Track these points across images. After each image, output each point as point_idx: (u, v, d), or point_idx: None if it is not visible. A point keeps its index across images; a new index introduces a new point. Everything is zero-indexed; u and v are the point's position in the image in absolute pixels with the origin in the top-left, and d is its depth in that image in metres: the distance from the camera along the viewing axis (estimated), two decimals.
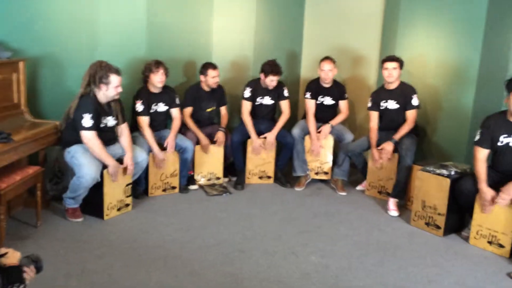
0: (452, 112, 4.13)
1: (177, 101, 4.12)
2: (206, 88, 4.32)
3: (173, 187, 4.10)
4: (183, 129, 4.23)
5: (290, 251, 3.10)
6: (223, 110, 4.49)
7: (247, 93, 4.37)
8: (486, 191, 3.13)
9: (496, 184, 3.16)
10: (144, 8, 4.07)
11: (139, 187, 3.92)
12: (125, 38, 4.05)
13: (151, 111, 3.97)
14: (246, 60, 4.82)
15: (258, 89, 4.40)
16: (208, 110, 4.39)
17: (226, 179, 4.52)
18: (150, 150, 3.86)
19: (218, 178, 4.40)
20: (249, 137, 4.36)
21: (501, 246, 3.14)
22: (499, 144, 3.19)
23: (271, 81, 4.27)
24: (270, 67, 4.21)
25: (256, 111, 4.47)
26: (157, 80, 3.88)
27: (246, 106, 4.37)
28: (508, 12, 3.61)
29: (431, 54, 4.26)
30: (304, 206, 3.97)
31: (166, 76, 3.93)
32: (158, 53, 4.08)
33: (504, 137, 3.16)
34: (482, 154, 3.25)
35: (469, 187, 3.26)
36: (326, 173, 4.54)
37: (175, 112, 4.11)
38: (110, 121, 3.48)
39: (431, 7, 4.21)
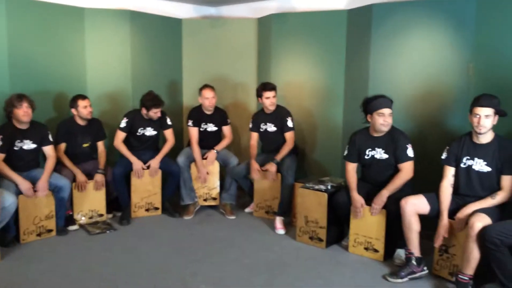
0: (326, 131, 4.45)
1: (50, 138, 3.84)
2: (81, 122, 4.10)
3: (49, 230, 3.78)
4: (58, 166, 3.95)
5: (180, 283, 3.01)
6: (101, 145, 4.27)
7: (123, 123, 4.25)
8: (357, 198, 3.39)
9: (368, 194, 3.43)
10: (5, 41, 3.78)
11: (9, 234, 3.53)
12: None
13: (15, 148, 3.64)
14: (124, 91, 4.69)
15: (138, 120, 4.29)
16: (85, 145, 4.16)
17: (110, 215, 4.29)
18: (19, 193, 3.52)
19: (101, 215, 4.16)
20: (132, 169, 4.21)
21: (376, 251, 3.40)
22: (365, 157, 3.49)
23: (155, 113, 4.21)
24: (151, 101, 4.15)
25: (138, 142, 4.35)
26: (22, 114, 3.58)
27: (119, 136, 4.26)
28: (362, 41, 4.05)
29: (303, 79, 4.58)
30: (193, 235, 3.92)
31: (32, 110, 3.65)
32: (24, 88, 3.79)
33: (369, 151, 3.47)
34: (350, 167, 3.54)
35: (344, 199, 3.50)
36: (214, 198, 4.55)
37: (48, 150, 3.81)
38: None
39: (298, 38, 4.56)
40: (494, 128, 2.92)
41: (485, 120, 2.83)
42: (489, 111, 2.82)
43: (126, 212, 4.21)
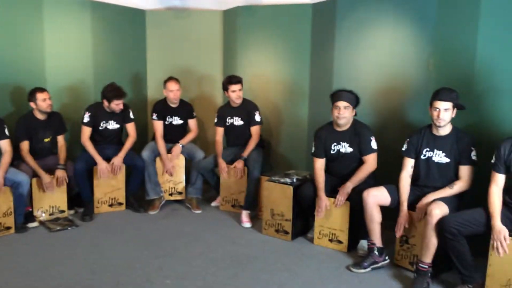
0: (291, 124, 4.47)
1: (6, 132, 3.69)
2: (40, 116, 3.96)
3: (8, 228, 3.64)
4: (16, 161, 3.81)
5: (145, 279, 2.98)
6: (61, 140, 4.14)
7: (86, 117, 4.14)
8: (323, 199, 3.43)
9: (333, 188, 3.48)
10: None
11: None
12: None
13: None
14: (85, 84, 4.57)
15: (100, 113, 4.19)
16: (46, 140, 4.03)
17: (72, 212, 4.18)
18: None
19: (62, 211, 4.05)
20: (94, 164, 4.11)
21: (340, 242, 3.46)
22: (331, 152, 3.53)
23: (116, 105, 4.12)
24: (113, 92, 4.06)
25: (101, 136, 4.25)
26: None
27: (85, 131, 4.15)
28: (327, 36, 4.08)
29: (269, 72, 4.58)
30: (159, 230, 3.87)
31: None
32: None
33: (334, 145, 3.51)
34: (319, 164, 3.55)
35: (309, 192, 3.53)
36: (180, 193, 4.51)
37: (3, 144, 3.67)
38: None
39: (265, 31, 4.55)
40: (453, 120, 3.01)
41: (444, 114, 2.91)
42: (448, 104, 2.90)
43: (88, 208, 4.11)
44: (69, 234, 3.72)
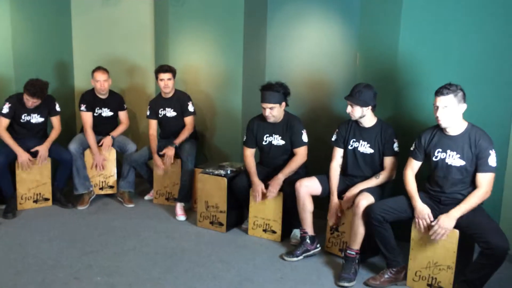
0: (225, 116, 4.46)
1: None
2: None
3: None
4: None
5: (72, 277, 2.86)
6: None
7: (6, 108, 3.89)
8: (257, 183, 3.47)
9: (266, 178, 3.53)
10: None
11: None
12: None
13: None
14: (5, 74, 4.26)
15: (22, 105, 3.93)
16: None
17: None
18: None
19: None
20: (15, 157, 3.87)
21: (273, 232, 3.52)
22: (263, 143, 3.58)
23: (27, 100, 3.87)
24: (28, 87, 3.80)
25: (24, 129, 4.00)
26: None
27: (2, 122, 3.90)
28: (259, 28, 4.11)
29: (202, 63, 4.51)
30: (88, 225, 3.73)
31: None
32: None
33: (266, 137, 3.56)
34: (249, 152, 3.61)
35: (243, 183, 3.56)
36: (111, 187, 4.37)
37: None
38: None
39: (197, 21, 4.45)
40: (376, 112, 3.15)
41: (351, 109, 3.05)
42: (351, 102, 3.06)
43: (10, 205, 3.87)
44: None
